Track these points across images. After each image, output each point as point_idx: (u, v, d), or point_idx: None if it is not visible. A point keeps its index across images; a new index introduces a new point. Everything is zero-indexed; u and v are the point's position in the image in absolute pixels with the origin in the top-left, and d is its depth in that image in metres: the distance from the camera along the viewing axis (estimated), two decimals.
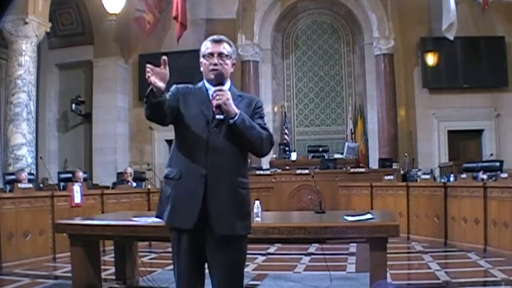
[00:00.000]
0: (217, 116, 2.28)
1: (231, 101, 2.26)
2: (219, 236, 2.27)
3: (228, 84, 2.42)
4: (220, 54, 2.37)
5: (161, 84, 2.16)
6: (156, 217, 2.43)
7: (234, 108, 2.26)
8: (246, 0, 12.27)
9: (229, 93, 2.29)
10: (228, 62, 2.39)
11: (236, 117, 2.26)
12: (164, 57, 2.23)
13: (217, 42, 2.40)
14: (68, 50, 13.06)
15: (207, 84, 2.41)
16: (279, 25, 13.09)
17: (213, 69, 2.36)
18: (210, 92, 2.35)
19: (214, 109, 2.29)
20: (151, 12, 12.04)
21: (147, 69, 2.14)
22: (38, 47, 10.23)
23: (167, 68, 2.18)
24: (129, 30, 12.66)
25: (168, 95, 2.30)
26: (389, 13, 11.74)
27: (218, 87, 2.29)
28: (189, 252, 2.32)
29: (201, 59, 2.42)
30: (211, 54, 2.38)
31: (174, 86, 2.42)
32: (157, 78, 2.15)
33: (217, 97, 2.25)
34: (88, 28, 12.91)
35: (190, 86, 2.45)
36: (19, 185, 6.15)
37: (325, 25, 13.11)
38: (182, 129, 2.36)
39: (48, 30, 10.32)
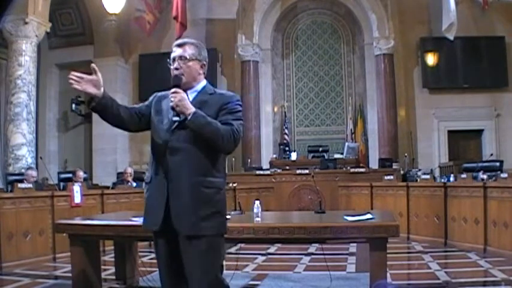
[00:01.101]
0: (173, 118, 2.29)
1: (184, 102, 2.26)
2: (186, 237, 2.27)
3: (201, 84, 2.44)
4: (180, 57, 2.38)
5: (94, 90, 2.27)
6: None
7: (189, 108, 2.25)
8: (246, 0, 12.26)
9: (183, 94, 2.28)
10: (190, 63, 2.38)
11: (190, 116, 2.24)
12: (93, 65, 2.34)
13: (179, 46, 2.42)
14: (68, 50, 13.05)
15: None
16: (279, 25, 13.08)
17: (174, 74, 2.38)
18: None
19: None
20: (151, 12, 12.04)
21: (71, 80, 2.25)
22: (38, 47, 10.21)
23: (99, 74, 2.29)
24: (129, 30, 12.65)
25: (142, 104, 2.46)
26: (389, 13, 11.74)
27: (173, 90, 2.29)
28: (166, 255, 2.35)
29: None
30: (174, 59, 2.39)
31: (153, 95, 2.47)
32: (88, 84, 2.26)
33: (172, 99, 2.27)
34: (88, 28, 12.90)
35: None
36: (19, 185, 6.14)
37: (325, 25, 13.10)
38: (152, 134, 2.42)
39: (48, 30, 10.30)
